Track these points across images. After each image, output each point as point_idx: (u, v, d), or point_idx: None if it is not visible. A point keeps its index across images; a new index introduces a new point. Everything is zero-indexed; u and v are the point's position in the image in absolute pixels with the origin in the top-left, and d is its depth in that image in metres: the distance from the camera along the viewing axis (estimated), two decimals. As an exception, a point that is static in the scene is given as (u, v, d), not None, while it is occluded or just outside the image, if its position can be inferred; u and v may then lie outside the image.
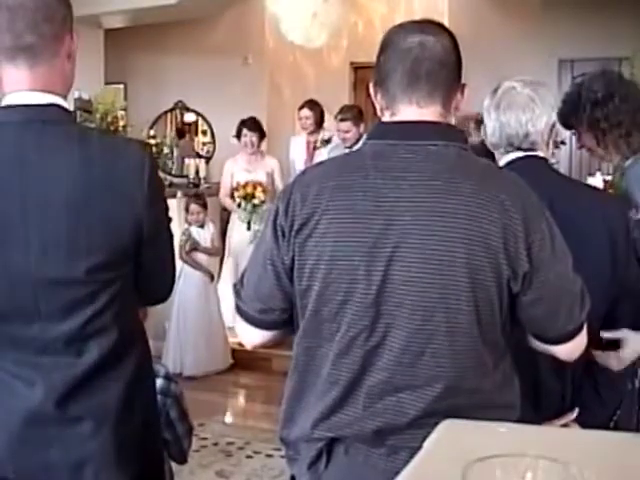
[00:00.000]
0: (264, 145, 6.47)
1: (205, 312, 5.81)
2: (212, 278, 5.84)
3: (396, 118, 1.52)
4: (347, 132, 5.66)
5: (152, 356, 1.73)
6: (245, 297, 1.59)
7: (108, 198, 1.49)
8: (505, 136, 1.96)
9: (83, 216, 1.47)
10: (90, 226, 1.48)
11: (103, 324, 1.52)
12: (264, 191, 5.96)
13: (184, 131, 8.70)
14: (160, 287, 1.74)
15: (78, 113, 6.04)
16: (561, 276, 1.50)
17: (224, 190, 6.25)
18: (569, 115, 2.35)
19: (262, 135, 6.23)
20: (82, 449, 1.52)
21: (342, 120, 5.69)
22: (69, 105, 1.59)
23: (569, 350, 1.57)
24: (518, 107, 1.94)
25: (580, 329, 1.54)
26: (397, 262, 1.40)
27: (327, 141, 6.31)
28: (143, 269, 1.60)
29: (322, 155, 5.95)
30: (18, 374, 1.51)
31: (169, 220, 1.67)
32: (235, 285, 1.62)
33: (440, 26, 1.54)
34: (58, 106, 1.53)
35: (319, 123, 6.34)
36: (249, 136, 6.11)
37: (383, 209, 1.41)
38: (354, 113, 5.74)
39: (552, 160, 2.09)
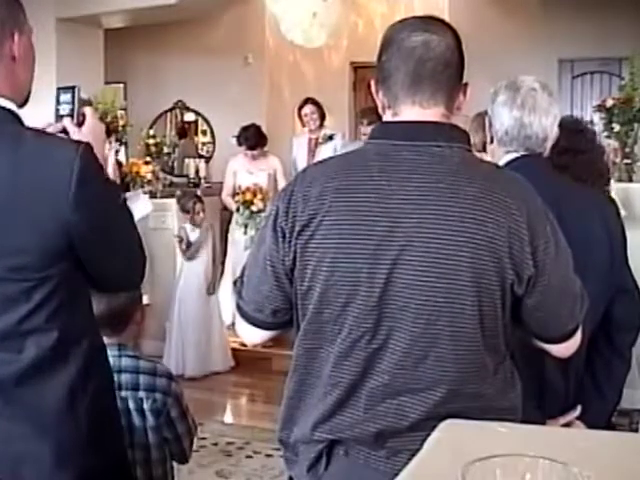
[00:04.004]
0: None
1: (206, 313, 5.81)
2: (208, 290, 5.81)
3: (398, 118, 1.50)
4: None
5: (153, 356, 1.72)
6: (245, 297, 1.57)
7: (35, 199, 1.47)
8: (523, 136, 1.93)
9: (9, 216, 1.47)
10: (15, 227, 1.47)
11: (39, 322, 1.51)
12: (263, 199, 6.01)
13: (184, 131, 8.71)
14: (116, 281, 1.69)
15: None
16: (564, 278, 1.49)
17: (226, 189, 6.30)
18: None
19: (265, 142, 6.29)
20: (22, 447, 1.51)
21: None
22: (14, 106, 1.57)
23: (566, 348, 1.58)
24: (542, 110, 1.93)
25: (578, 327, 1.55)
26: (401, 265, 1.38)
27: (330, 137, 6.33)
28: (88, 266, 1.56)
29: (324, 152, 5.97)
30: None
31: (119, 217, 1.61)
32: (235, 283, 1.61)
33: (444, 23, 1.51)
34: (2, 108, 1.53)
35: (322, 118, 6.38)
36: (250, 153, 6.21)
37: (387, 211, 1.39)
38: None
39: None
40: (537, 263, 1.41)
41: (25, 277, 1.49)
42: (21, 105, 1.60)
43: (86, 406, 1.56)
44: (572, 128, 2.15)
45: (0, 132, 1.52)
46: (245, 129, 6.24)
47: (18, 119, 1.56)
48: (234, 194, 6.20)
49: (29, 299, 1.49)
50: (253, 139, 6.18)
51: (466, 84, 1.53)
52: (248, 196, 6.07)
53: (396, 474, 1.14)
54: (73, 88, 1.68)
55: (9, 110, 1.55)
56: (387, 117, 1.53)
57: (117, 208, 1.60)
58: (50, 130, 1.62)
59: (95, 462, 1.59)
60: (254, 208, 6.04)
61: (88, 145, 1.52)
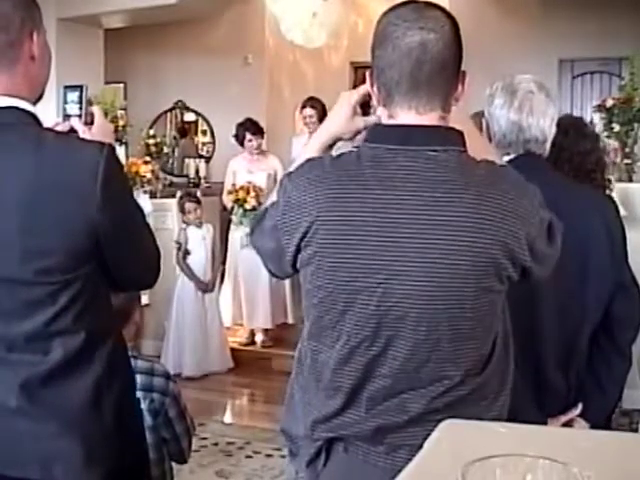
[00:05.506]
0: (264, 144, 6.50)
1: (203, 313, 5.81)
2: (205, 290, 5.82)
3: (393, 122, 1.47)
4: None
5: (151, 356, 1.72)
6: (262, 253, 1.58)
7: (60, 200, 1.47)
8: (522, 139, 1.93)
9: (35, 217, 1.46)
10: (42, 228, 1.47)
11: (66, 324, 1.51)
12: (257, 196, 6.01)
13: (184, 131, 8.71)
14: (135, 281, 1.72)
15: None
16: (560, 252, 1.52)
17: (226, 189, 6.30)
18: None
19: (263, 135, 6.28)
20: (51, 446, 1.52)
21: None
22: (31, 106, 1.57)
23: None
24: (539, 113, 1.92)
25: None
26: (397, 276, 1.37)
27: None
28: (112, 267, 1.58)
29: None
30: None
31: (138, 216, 1.63)
32: (251, 235, 1.61)
33: (440, 12, 1.44)
34: (18, 109, 1.53)
35: (322, 119, 6.36)
36: (254, 140, 6.19)
37: (381, 222, 1.38)
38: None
39: None
40: (535, 257, 1.43)
41: (50, 280, 1.49)
42: (33, 104, 1.60)
43: (111, 404, 1.58)
44: (562, 127, 2.15)
45: (22, 134, 1.52)
46: (241, 124, 6.24)
47: (37, 120, 1.56)
48: (229, 193, 6.21)
49: (55, 302, 1.50)
50: (253, 127, 6.19)
51: (464, 73, 1.48)
52: (240, 194, 6.07)
53: (396, 470, 1.14)
54: (81, 87, 1.67)
55: (28, 112, 1.55)
56: (383, 118, 1.50)
57: (137, 207, 1.62)
58: (58, 129, 1.62)
59: (122, 459, 1.61)
60: (247, 206, 6.05)
61: (111, 145, 1.54)
